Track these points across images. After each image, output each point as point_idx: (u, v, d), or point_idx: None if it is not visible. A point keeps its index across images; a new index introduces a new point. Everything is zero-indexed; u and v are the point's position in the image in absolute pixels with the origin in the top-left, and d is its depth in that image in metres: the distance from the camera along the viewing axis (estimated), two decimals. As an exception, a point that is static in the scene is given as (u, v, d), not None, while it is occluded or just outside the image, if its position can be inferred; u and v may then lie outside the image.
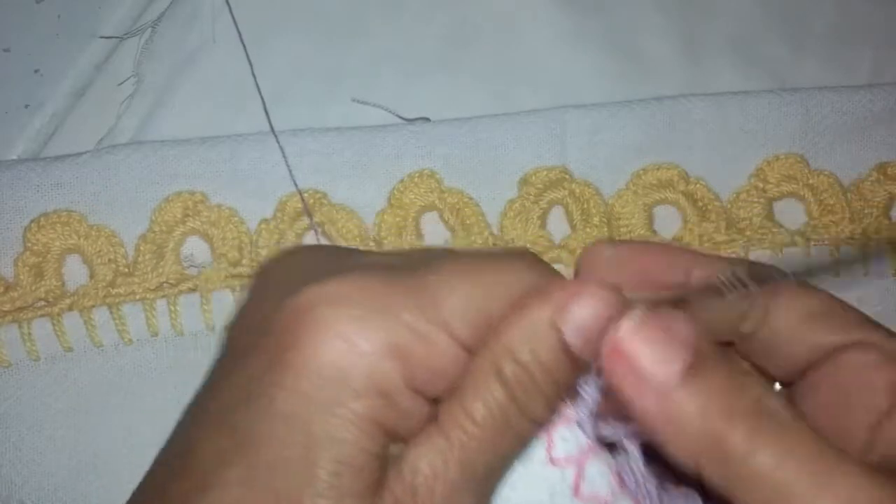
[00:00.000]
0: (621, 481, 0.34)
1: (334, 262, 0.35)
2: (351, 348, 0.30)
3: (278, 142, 0.51)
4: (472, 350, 0.32)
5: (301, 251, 0.41)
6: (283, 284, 0.32)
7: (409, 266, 0.33)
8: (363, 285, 0.31)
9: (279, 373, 0.30)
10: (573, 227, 0.52)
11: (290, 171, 0.51)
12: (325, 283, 0.31)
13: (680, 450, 0.30)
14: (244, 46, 0.53)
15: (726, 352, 0.37)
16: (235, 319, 0.35)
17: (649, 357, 0.30)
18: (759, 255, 0.52)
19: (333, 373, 0.30)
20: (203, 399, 0.33)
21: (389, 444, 0.30)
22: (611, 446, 0.34)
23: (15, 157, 0.53)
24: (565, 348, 0.31)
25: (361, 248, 0.51)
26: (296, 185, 0.51)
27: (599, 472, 0.34)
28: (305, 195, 0.51)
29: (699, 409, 0.30)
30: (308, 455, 0.29)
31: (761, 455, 0.29)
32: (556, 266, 0.51)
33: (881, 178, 0.53)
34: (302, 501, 0.29)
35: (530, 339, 0.31)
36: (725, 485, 0.30)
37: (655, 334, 0.30)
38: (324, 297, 0.31)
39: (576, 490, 0.34)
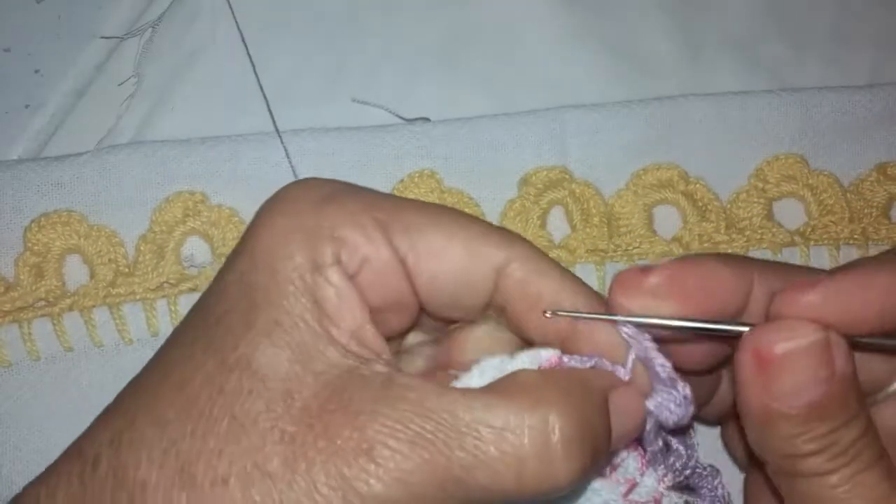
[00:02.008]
0: None
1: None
2: (287, 234, 0.36)
3: (281, 140, 0.51)
4: (409, 273, 0.36)
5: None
6: None
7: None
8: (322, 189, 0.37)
9: (237, 256, 0.37)
10: (573, 227, 0.52)
11: (292, 168, 0.51)
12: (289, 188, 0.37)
13: (761, 448, 0.35)
14: (246, 46, 0.53)
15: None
16: None
17: (790, 382, 0.34)
18: (758, 255, 0.52)
19: (269, 256, 0.36)
20: None
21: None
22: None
23: (15, 158, 0.53)
24: None
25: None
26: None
27: None
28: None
29: (792, 437, 0.34)
30: (250, 311, 0.35)
31: (834, 477, 0.34)
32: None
33: (881, 178, 0.53)
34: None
35: None
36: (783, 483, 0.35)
37: (812, 361, 0.34)
38: (282, 197, 0.37)
39: None
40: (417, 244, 0.36)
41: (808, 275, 0.39)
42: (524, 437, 0.33)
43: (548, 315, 0.37)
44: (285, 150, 0.51)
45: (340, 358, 0.34)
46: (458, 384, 0.36)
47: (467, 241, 0.37)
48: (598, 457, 0.34)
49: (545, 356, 0.36)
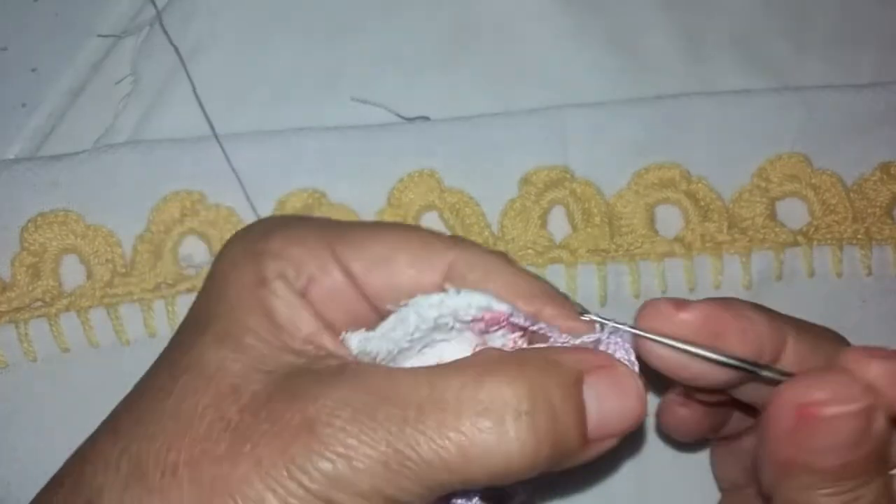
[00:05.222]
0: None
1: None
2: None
3: (220, 143, 0.51)
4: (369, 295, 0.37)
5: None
6: None
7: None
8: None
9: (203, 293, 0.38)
10: (574, 227, 0.52)
11: (236, 174, 0.51)
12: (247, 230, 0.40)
13: (775, 490, 0.35)
14: (182, 61, 0.53)
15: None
16: None
17: (828, 442, 0.33)
18: (761, 254, 0.52)
19: (222, 278, 0.37)
20: None
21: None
22: None
23: (12, 157, 0.53)
24: None
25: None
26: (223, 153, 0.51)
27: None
28: (305, 195, 0.51)
29: (813, 489, 0.34)
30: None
31: None
32: (556, 266, 0.51)
33: (884, 177, 0.53)
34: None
35: None
36: None
37: (857, 426, 0.33)
38: (238, 232, 0.39)
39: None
40: (363, 258, 0.37)
41: (839, 341, 0.39)
42: (470, 412, 0.32)
43: (584, 318, 0.37)
44: (225, 154, 0.51)
45: (294, 358, 0.35)
46: (402, 311, 0.36)
47: (411, 251, 0.37)
48: (560, 438, 0.33)
49: (497, 307, 0.35)
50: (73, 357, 0.49)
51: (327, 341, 0.36)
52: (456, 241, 0.38)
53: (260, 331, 0.35)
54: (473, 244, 0.38)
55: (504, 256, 0.38)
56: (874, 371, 0.34)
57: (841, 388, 0.33)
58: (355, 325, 0.37)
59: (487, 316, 0.35)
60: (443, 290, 0.35)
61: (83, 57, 0.55)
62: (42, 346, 0.49)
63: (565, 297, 0.38)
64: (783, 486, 0.35)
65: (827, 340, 0.39)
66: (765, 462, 0.35)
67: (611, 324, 0.37)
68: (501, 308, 0.35)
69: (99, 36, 0.55)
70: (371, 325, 0.37)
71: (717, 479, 0.48)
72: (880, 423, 0.34)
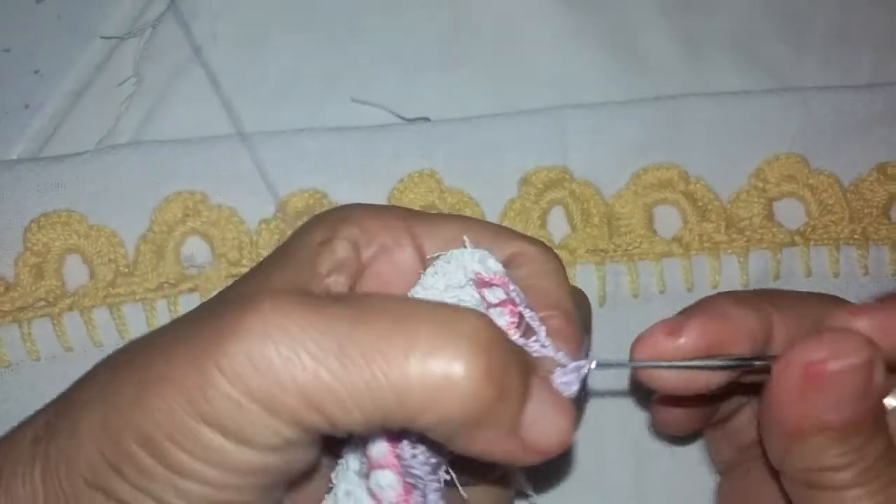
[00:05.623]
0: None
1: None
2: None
3: (245, 142, 0.51)
4: None
5: None
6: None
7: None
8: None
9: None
10: (573, 227, 0.52)
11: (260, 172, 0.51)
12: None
13: (786, 461, 0.36)
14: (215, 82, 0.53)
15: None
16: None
17: (835, 397, 0.34)
18: (758, 254, 0.52)
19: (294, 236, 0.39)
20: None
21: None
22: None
23: (15, 157, 0.53)
24: None
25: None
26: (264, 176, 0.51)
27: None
28: (306, 195, 0.51)
29: (823, 451, 0.35)
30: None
31: (860, 491, 0.34)
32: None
33: (881, 178, 0.53)
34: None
35: None
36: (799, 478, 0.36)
37: (861, 378, 0.34)
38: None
39: None
40: (436, 237, 0.38)
41: (821, 302, 0.40)
42: (436, 334, 0.30)
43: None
44: (250, 150, 0.51)
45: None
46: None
47: (482, 235, 0.38)
48: (503, 400, 0.31)
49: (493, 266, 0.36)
50: (77, 356, 0.49)
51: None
52: (523, 235, 0.39)
53: (298, 275, 0.36)
54: (539, 242, 0.39)
55: (559, 261, 0.39)
56: (865, 327, 0.35)
57: (842, 344, 0.34)
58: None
59: (497, 280, 0.36)
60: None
61: (86, 58, 0.55)
62: (45, 345, 0.49)
63: (584, 333, 0.38)
64: (794, 454, 0.35)
65: (809, 305, 0.39)
66: (772, 435, 0.36)
67: (604, 361, 0.36)
68: (510, 287, 0.36)
69: (102, 37, 0.55)
70: None
71: (714, 462, 0.48)
72: (880, 374, 0.34)
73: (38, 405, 0.48)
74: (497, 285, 0.36)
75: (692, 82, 0.56)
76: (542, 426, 0.32)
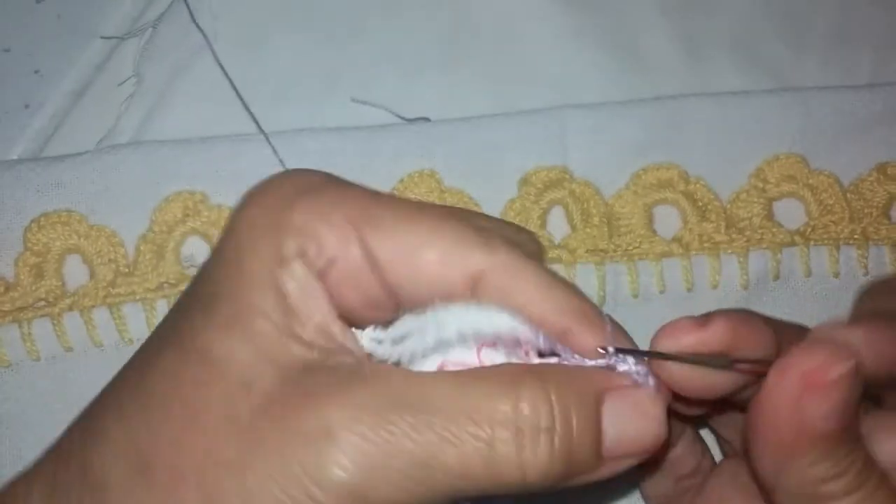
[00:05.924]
0: None
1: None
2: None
3: (268, 140, 0.51)
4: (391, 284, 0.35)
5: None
6: None
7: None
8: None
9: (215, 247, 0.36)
10: (573, 227, 0.52)
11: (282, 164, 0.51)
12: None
13: (780, 476, 0.35)
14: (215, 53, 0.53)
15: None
16: None
17: (830, 405, 0.34)
18: (758, 254, 0.52)
19: (236, 249, 0.36)
20: None
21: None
22: None
23: (15, 157, 0.53)
24: None
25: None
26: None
27: None
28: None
29: (818, 462, 0.34)
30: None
31: (853, 498, 0.34)
32: (556, 266, 0.51)
33: (881, 178, 0.53)
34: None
35: None
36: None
37: (852, 385, 0.34)
38: (259, 190, 0.37)
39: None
40: (391, 246, 0.35)
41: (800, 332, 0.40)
42: (493, 422, 0.32)
43: (601, 351, 0.36)
44: (273, 149, 0.51)
45: (305, 351, 0.33)
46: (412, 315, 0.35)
47: (442, 246, 0.35)
48: (574, 457, 0.33)
49: (521, 332, 0.34)
50: (77, 356, 0.50)
51: (338, 332, 0.34)
52: (490, 240, 0.36)
53: (272, 315, 0.33)
54: (508, 245, 0.36)
55: (537, 261, 0.36)
56: (847, 338, 0.35)
57: (836, 352, 0.34)
58: (368, 307, 0.35)
59: (508, 338, 0.34)
60: (466, 297, 0.35)
61: (86, 58, 0.55)
62: (45, 345, 0.49)
63: (597, 311, 0.37)
64: (789, 470, 0.35)
65: (794, 335, 0.39)
66: (765, 451, 0.35)
67: (632, 352, 0.36)
68: (526, 335, 0.35)
69: (102, 37, 0.55)
70: (384, 308, 0.36)
71: (650, 498, 0.47)
72: (861, 383, 0.34)
73: (39, 405, 0.49)
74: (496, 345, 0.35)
75: (692, 82, 0.56)
76: (626, 440, 0.35)
